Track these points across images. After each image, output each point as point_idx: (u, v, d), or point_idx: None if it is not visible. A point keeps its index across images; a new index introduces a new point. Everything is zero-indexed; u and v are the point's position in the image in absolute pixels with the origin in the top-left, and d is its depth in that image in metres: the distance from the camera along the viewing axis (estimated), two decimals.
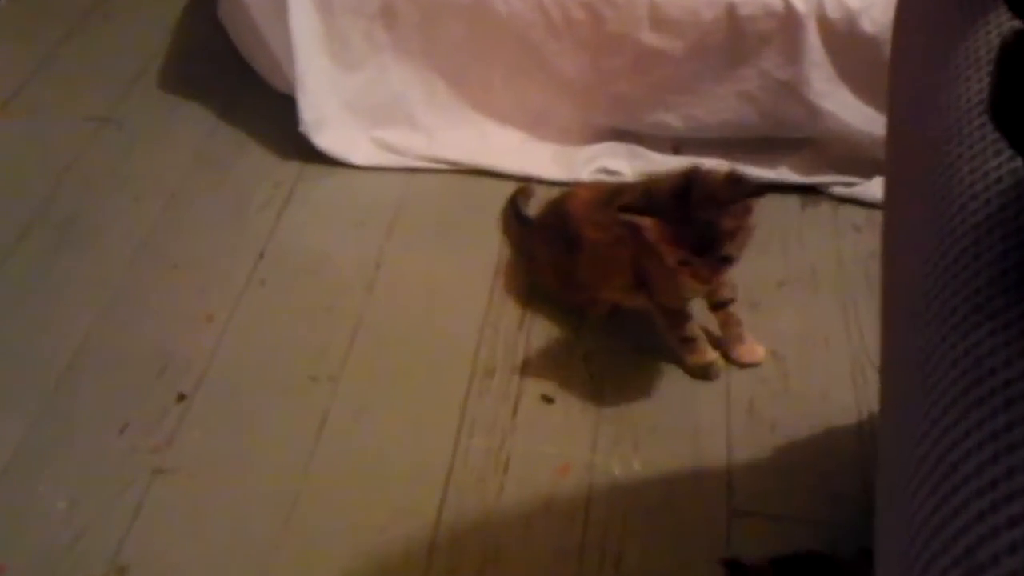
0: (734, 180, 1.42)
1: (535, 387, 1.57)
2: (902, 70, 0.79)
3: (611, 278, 1.59)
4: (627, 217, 1.41)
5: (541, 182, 1.92)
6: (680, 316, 1.57)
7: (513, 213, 1.82)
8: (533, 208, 1.83)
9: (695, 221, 1.38)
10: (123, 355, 1.61)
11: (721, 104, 1.90)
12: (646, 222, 1.40)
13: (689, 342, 1.58)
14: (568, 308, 1.68)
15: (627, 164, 1.96)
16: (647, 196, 1.45)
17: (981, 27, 0.67)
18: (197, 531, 1.37)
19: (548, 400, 1.56)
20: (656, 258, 1.45)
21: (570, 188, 1.76)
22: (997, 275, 0.52)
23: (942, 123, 0.65)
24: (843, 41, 1.80)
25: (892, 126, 0.78)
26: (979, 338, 0.50)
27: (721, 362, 1.59)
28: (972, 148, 0.60)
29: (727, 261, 1.42)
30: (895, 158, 0.73)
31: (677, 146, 1.98)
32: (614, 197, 1.55)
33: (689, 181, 1.42)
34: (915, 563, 0.46)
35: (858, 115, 1.83)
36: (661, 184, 1.46)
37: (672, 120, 1.94)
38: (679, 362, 1.60)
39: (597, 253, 1.57)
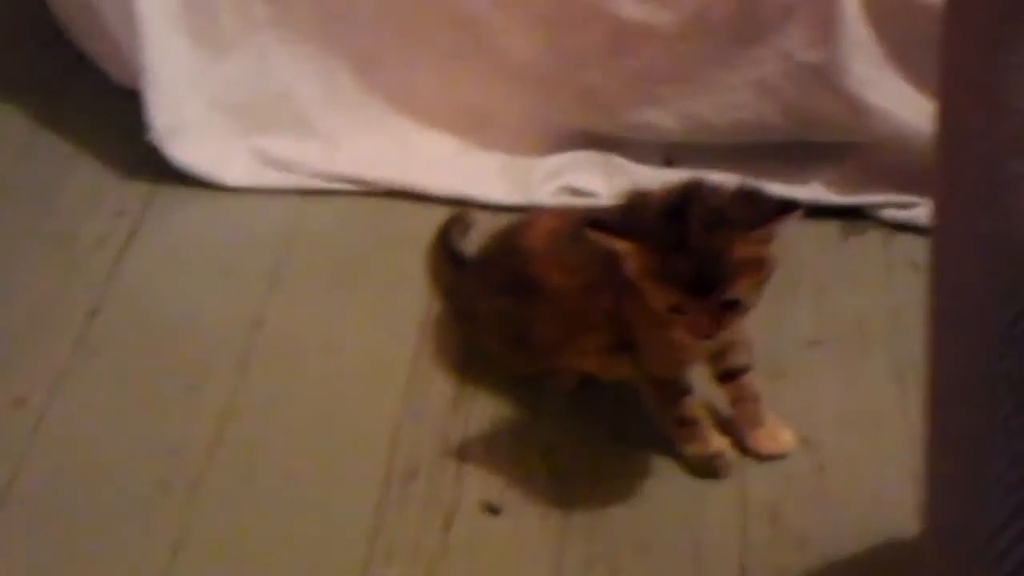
0: (748, 194, 1.43)
1: (476, 493, 1.56)
2: (955, 55, 0.79)
3: (582, 338, 1.59)
4: (597, 236, 1.41)
5: (484, 207, 1.92)
6: (675, 390, 1.57)
7: (443, 250, 1.82)
8: (473, 243, 1.83)
9: (694, 249, 1.37)
10: None
11: (730, 98, 1.92)
12: (623, 246, 1.40)
13: (687, 426, 1.58)
14: (521, 381, 1.68)
15: (602, 181, 1.97)
16: (629, 213, 1.45)
17: None
18: None
19: (493, 511, 1.55)
20: (644, 307, 1.45)
21: (526, 216, 1.76)
22: None
23: (1007, 129, 0.66)
24: (894, 11, 1.83)
25: (942, 129, 0.79)
26: None
27: (732, 453, 1.59)
28: None
29: (736, 308, 1.41)
30: (944, 172, 0.74)
31: (670, 156, 1.99)
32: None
33: (687, 196, 1.42)
34: None
35: (915, 111, 1.84)
36: (650, 199, 1.46)
37: (663, 120, 1.95)
38: (676, 454, 1.59)
39: (563, 304, 1.57)
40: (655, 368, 1.56)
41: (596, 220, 1.43)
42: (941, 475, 0.63)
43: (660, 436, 1.60)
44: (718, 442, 1.59)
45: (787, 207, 1.41)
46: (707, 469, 1.58)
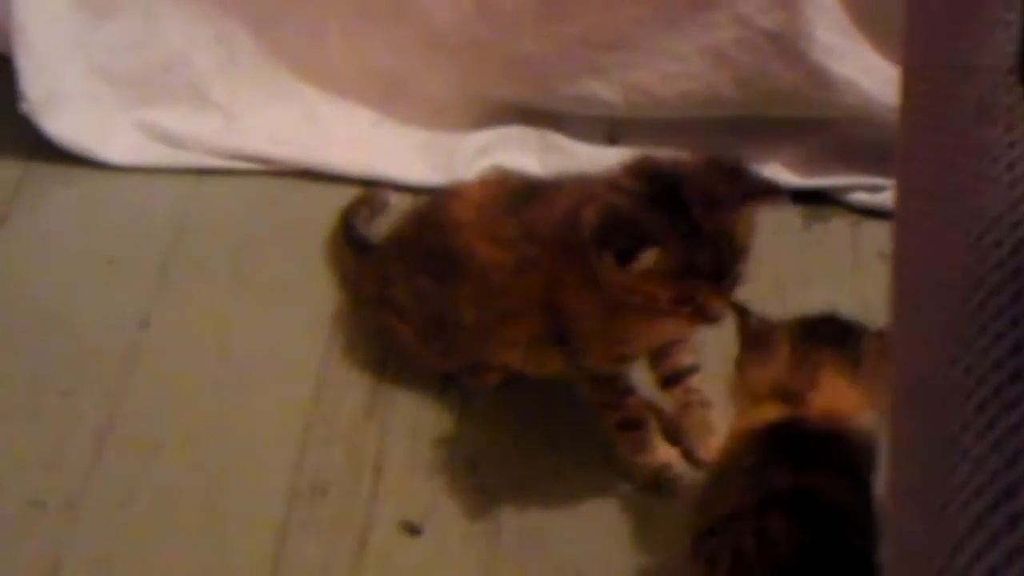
0: (730, 170, 1.46)
1: (393, 511, 1.56)
2: (921, 12, 0.80)
3: (508, 325, 1.59)
4: (611, 259, 1.40)
5: (402, 188, 1.93)
6: (616, 389, 1.57)
7: (346, 234, 1.82)
8: (384, 227, 1.83)
9: (709, 237, 1.40)
10: None
11: (679, 67, 1.92)
12: (649, 256, 1.38)
13: (631, 431, 1.58)
14: (443, 383, 1.68)
15: (537, 160, 1.97)
16: (614, 214, 1.44)
17: None
18: None
19: (413, 531, 1.55)
20: (584, 293, 1.47)
21: (448, 187, 1.77)
22: None
23: (974, 94, 0.66)
24: None
25: (905, 99, 0.79)
26: (1015, 422, 0.51)
27: (682, 465, 1.59)
28: (1013, 131, 0.61)
29: (737, 282, 1.46)
30: (908, 149, 0.74)
31: (613, 133, 2.00)
32: (531, 197, 1.58)
33: (667, 179, 1.44)
34: None
35: (885, 83, 1.84)
36: (619, 183, 1.47)
37: (605, 92, 1.96)
38: (618, 466, 1.60)
39: (490, 282, 1.57)
40: (594, 364, 1.56)
41: (604, 240, 1.41)
42: (900, 487, 0.63)
43: (600, 445, 1.61)
44: (666, 453, 1.59)
45: (773, 187, 1.51)
46: (654, 483, 1.57)
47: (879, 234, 1.86)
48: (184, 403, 1.67)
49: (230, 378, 1.70)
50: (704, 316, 1.44)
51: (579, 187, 1.56)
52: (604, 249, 1.41)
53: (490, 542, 1.54)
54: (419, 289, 1.64)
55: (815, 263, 1.86)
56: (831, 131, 1.95)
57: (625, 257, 1.39)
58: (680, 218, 1.40)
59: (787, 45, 1.88)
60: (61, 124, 1.94)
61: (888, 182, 1.89)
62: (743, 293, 1.69)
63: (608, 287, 1.44)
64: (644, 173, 1.47)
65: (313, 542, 1.53)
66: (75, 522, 1.53)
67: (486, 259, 1.57)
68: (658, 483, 1.57)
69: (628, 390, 1.58)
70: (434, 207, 1.69)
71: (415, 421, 1.66)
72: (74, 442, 1.61)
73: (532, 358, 1.61)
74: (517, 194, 1.60)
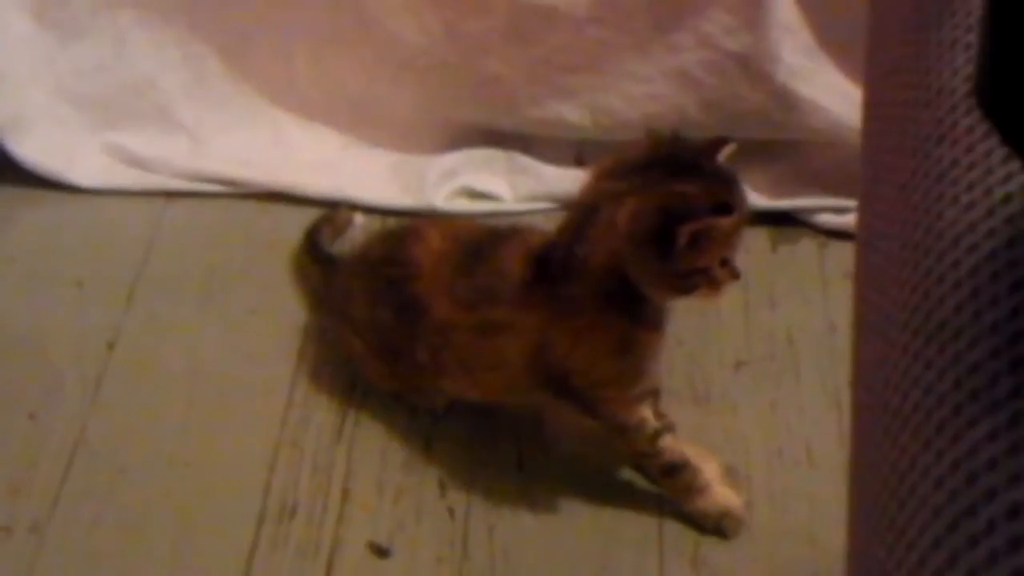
0: (714, 143, 1.49)
1: (361, 532, 1.56)
2: (882, 35, 0.81)
3: (476, 376, 1.59)
4: (698, 227, 1.40)
5: (372, 210, 1.93)
6: (647, 432, 1.55)
7: (311, 249, 1.83)
8: (348, 245, 1.84)
9: (736, 202, 1.44)
10: None
11: (645, 89, 1.93)
12: (726, 222, 1.41)
13: (679, 474, 1.56)
14: (412, 406, 1.68)
15: (505, 182, 1.98)
16: (636, 209, 1.43)
17: None
18: None
19: (381, 552, 1.55)
20: (585, 344, 1.49)
21: (414, 223, 1.76)
22: (1004, 344, 0.53)
23: (933, 116, 0.66)
24: None
25: (868, 118, 0.80)
26: (975, 441, 0.51)
27: (744, 504, 1.58)
28: (972, 152, 0.61)
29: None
30: (870, 170, 0.75)
31: (581, 154, 2.00)
32: (478, 256, 1.57)
33: (684, 159, 1.47)
34: None
35: (851, 105, 1.85)
36: (614, 188, 1.47)
37: (572, 114, 1.96)
38: (585, 487, 1.60)
39: (451, 339, 1.57)
40: (616, 411, 1.54)
41: (676, 215, 1.39)
42: (862, 508, 0.64)
43: (566, 467, 1.61)
44: (723, 495, 1.56)
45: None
46: (717, 529, 1.56)
47: (846, 255, 1.86)
48: (152, 425, 1.67)
49: (198, 400, 1.70)
50: (727, 277, 1.45)
51: (519, 241, 1.56)
52: (647, 246, 1.41)
53: (458, 564, 1.54)
54: (377, 316, 1.64)
55: (783, 284, 1.86)
56: (798, 153, 1.96)
57: (666, 243, 1.39)
58: (685, 178, 1.43)
59: (753, 67, 1.89)
60: (27, 146, 1.93)
61: (854, 203, 1.89)
62: (713, 315, 1.70)
63: (660, 282, 1.45)
64: (625, 167, 1.48)
65: (282, 563, 1.53)
66: (42, 547, 1.53)
67: (443, 316, 1.56)
68: (723, 530, 1.56)
69: (659, 432, 1.55)
70: (399, 240, 1.68)
71: (384, 443, 1.66)
72: (41, 465, 1.61)
73: (499, 397, 1.62)
74: (467, 251, 1.59)
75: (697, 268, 1.42)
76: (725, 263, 1.44)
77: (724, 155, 1.48)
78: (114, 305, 1.80)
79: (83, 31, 1.94)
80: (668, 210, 1.40)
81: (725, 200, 1.42)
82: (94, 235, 1.91)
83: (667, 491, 1.57)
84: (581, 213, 1.49)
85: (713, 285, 1.44)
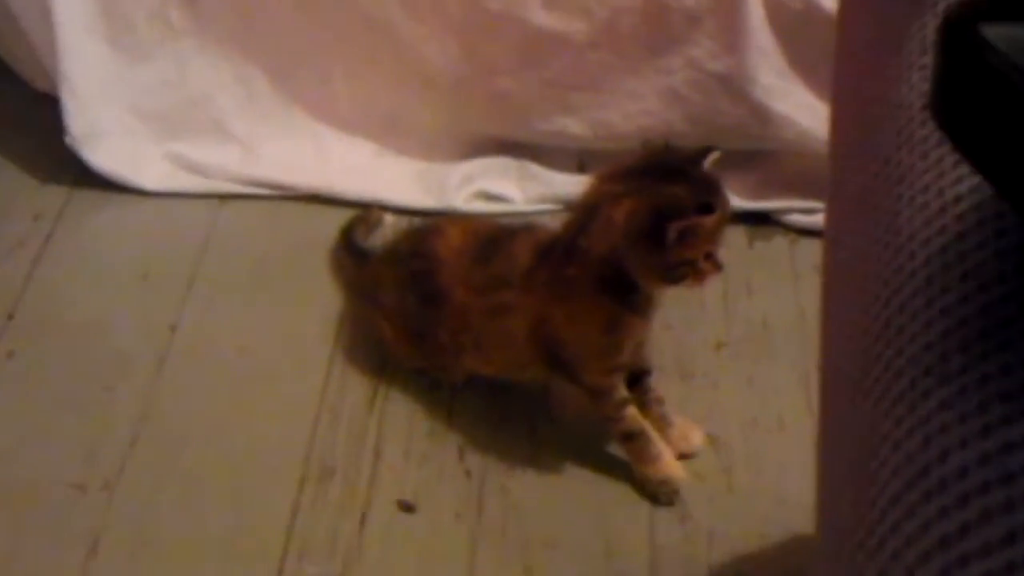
0: (700, 152, 1.49)
1: (391, 491, 1.56)
2: (847, 56, 0.80)
3: (489, 353, 1.60)
4: (685, 225, 1.40)
5: (400, 211, 1.92)
6: (614, 401, 1.56)
7: (346, 244, 1.83)
8: (379, 240, 1.84)
9: (720, 201, 1.45)
10: None
11: (639, 105, 1.92)
12: (709, 220, 1.42)
13: (635, 441, 1.56)
14: (435, 382, 1.68)
15: (516, 187, 1.97)
16: (631, 209, 1.44)
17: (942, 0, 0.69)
18: None
19: (408, 508, 1.54)
20: (574, 322, 1.49)
21: (436, 220, 1.76)
22: (954, 326, 0.53)
23: (893, 124, 0.66)
24: (797, 22, 1.84)
25: (835, 130, 0.80)
26: (929, 411, 0.51)
27: (683, 478, 1.57)
28: (927, 159, 0.61)
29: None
30: (838, 173, 0.75)
31: (583, 162, 2.00)
32: (492, 249, 1.58)
33: (672, 164, 1.48)
34: None
35: (818, 120, 1.85)
36: (612, 191, 1.48)
37: (575, 127, 1.96)
38: (585, 455, 1.60)
39: (467, 321, 1.58)
40: (593, 380, 1.55)
41: (667, 214, 1.40)
42: (830, 475, 0.64)
43: (572, 438, 1.61)
44: (668, 467, 1.56)
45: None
46: (653, 495, 1.56)
47: (814, 250, 1.86)
48: (208, 398, 1.66)
49: (249, 376, 1.69)
50: (714, 267, 1.45)
51: (529, 236, 1.58)
52: (641, 241, 1.42)
53: (475, 519, 1.53)
54: (404, 303, 1.64)
55: (758, 275, 1.85)
56: (772, 161, 1.95)
57: (658, 239, 1.39)
58: (674, 181, 1.43)
59: (733, 86, 1.88)
60: (100, 155, 1.93)
61: (821, 205, 1.89)
62: (697, 302, 1.70)
63: (652, 273, 1.46)
64: (622, 173, 1.49)
65: (321, 518, 1.52)
66: (112, 503, 1.53)
67: (461, 301, 1.57)
68: (657, 496, 1.55)
69: (625, 402, 1.56)
70: (423, 236, 1.68)
71: (410, 413, 1.66)
72: (112, 432, 1.61)
73: (509, 372, 1.62)
74: (483, 245, 1.60)
75: (684, 260, 1.42)
76: (709, 256, 1.44)
77: (709, 162, 1.48)
78: (175, 294, 1.80)
79: (149, 55, 1.94)
80: (660, 210, 1.40)
81: (709, 201, 1.42)
82: (158, 233, 1.91)
83: (624, 453, 1.57)
84: (584, 211, 1.50)
85: (698, 275, 1.45)
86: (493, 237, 1.61)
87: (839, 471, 0.58)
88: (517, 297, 1.53)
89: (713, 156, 1.49)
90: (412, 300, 1.62)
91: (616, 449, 1.60)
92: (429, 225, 1.71)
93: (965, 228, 0.56)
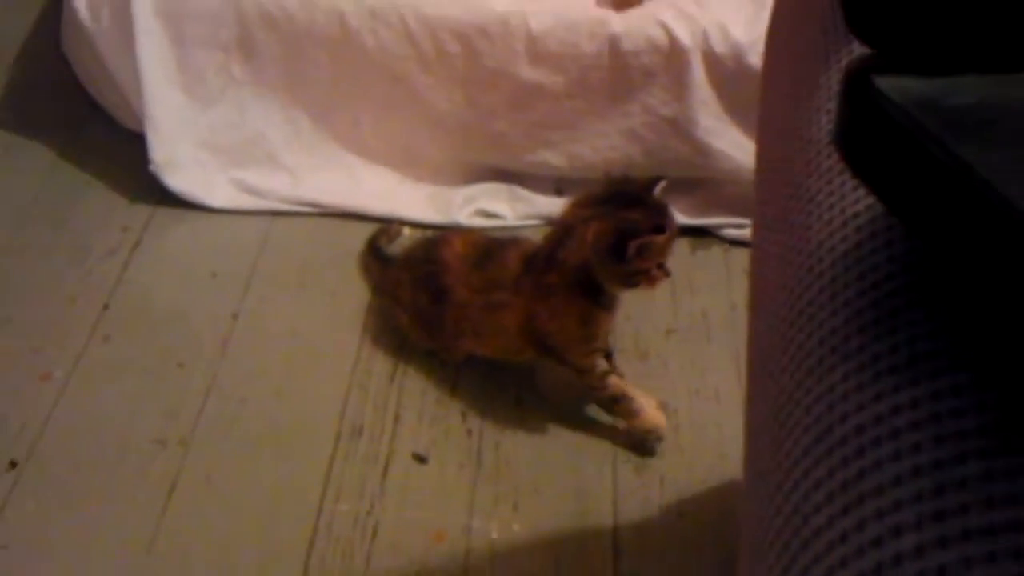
0: (651, 182, 1.49)
1: (407, 446, 1.56)
2: (769, 102, 0.80)
3: (485, 339, 1.59)
4: (637, 245, 1.40)
5: (416, 225, 1.91)
6: (596, 374, 1.56)
7: (372, 251, 1.82)
8: (398, 248, 1.83)
9: (669, 223, 1.44)
10: None
11: (605, 142, 1.92)
12: (660, 239, 1.42)
13: (622, 402, 1.55)
14: (442, 362, 1.67)
15: (507, 206, 1.97)
16: (599, 230, 1.44)
17: (845, 55, 0.69)
18: None
19: (421, 460, 1.54)
20: (557, 316, 1.49)
21: (444, 232, 1.75)
22: (853, 315, 0.53)
23: (805, 156, 0.66)
24: (731, 77, 1.84)
25: (760, 161, 0.79)
26: (833, 382, 0.51)
27: (665, 427, 1.57)
28: (832, 184, 0.61)
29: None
30: (762, 195, 0.74)
31: (560, 187, 1.99)
32: (488, 257, 1.57)
33: (629, 193, 1.48)
34: None
35: (747, 153, 1.85)
36: (583, 214, 1.47)
37: (554, 159, 1.95)
38: (563, 419, 1.60)
39: (468, 315, 1.57)
40: (577, 360, 1.55)
41: (627, 234, 1.40)
42: (751, 462, 0.63)
43: (550, 404, 1.61)
44: (653, 418, 1.56)
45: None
46: (641, 444, 1.56)
47: (744, 257, 1.87)
48: (263, 372, 1.66)
49: (294, 355, 1.69)
50: (662, 275, 1.45)
51: (516, 247, 1.57)
52: (607, 255, 1.42)
53: (474, 468, 1.54)
54: (418, 299, 1.64)
55: (699, 277, 1.85)
56: (711, 187, 1.95)
57: (620, 253, 1.39)
58: (632, 207, 1.43)
59: (680, 128, 1.88)
60: (177, 180, 1.92)
61: (749, 221, 1.89)
62: (650, 298, 1.70)
63: (616, 279, 1.45)
64: (591, 200, 1.49)
65: (353, 468, 1.52)
66: (186, 455, 1.53)
67: (463, 299, 1.57)
68: (645, 443, 1.56)
69: (607, 373, 1.56)
70: (433, 246, 1.66)
71: (423, 385, 1.65)
72: (187, 398, 1.61)
73: (501, 355, 1.62)
74: (480, 253, 1.59)
75: (641, 270, 1.43)
76: (660, 266, 1.44)
77: (658, 190, 1.48)
78: (237, 289, 1.79)
79: (216, 101, 1.94)
80: (622, 230, 1.41)
81: (660, 223, 1.42)
82: (223, 241, 1.90)
83: (614, 414, 1.57)
84: (561, 230, 1.50)
85: (651, 281, 1.45)
86: (488, 247, 1.60)
87: (761, 429, 0.58)
88: (509, 297, 1.53)
89: (661, 185, 1.49)
90: (424, 297, 1.62)
91: (588, 414, 1.60)
92: (438, 237, 1.70)
93: (862, 238, 0.56)
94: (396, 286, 1.70)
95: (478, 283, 1.55)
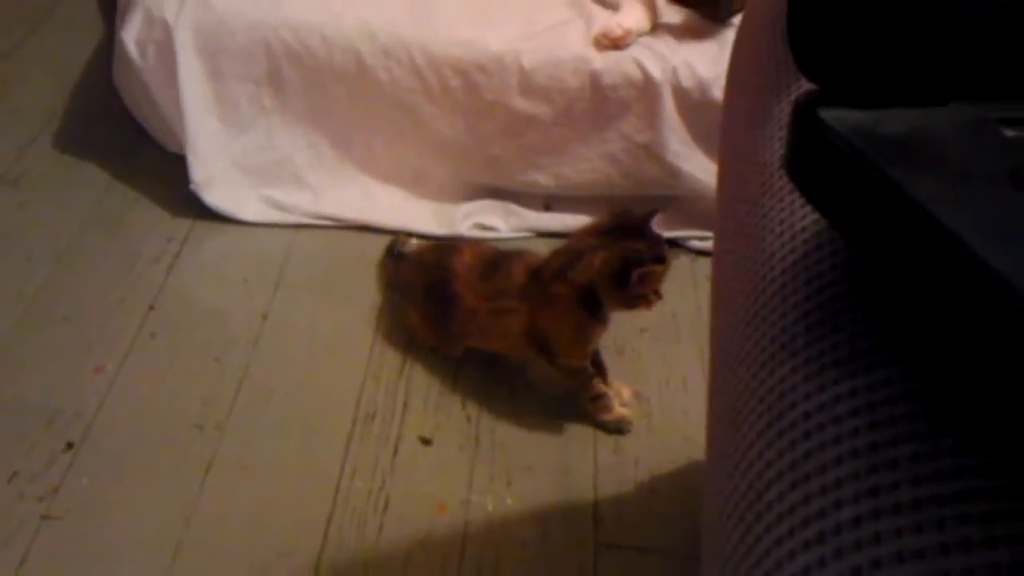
0: (649, 214, 1.47)
1: (414, 430, 1.56)
2: (729, 130, 0.80)
3: (490, 339, 1.59)
4: (643, 271, 1.39)
5: (422, 237, 1.91)
6: (585, 375, 1.56)
7: (389, 252, 1.82)
8: (410, 249, 1.83)
9: (653, 240, 1.43)
10: (13, 407, 1.54)
11: (588, 165, 1.92)
12: (659, 268, 1.41)
13: (600, 400, 1.56)
14: (445, 357, 1.67)
15: (502, 221, 1.97)
16: (606, 259, 1.43)
17: (794, 90, 0.69)
18: None
19: (426, 442, 1.54)
20: (557, 323, 1.48)
21: (456, 244, 1.71)
22: (801, 316, 0.53)
23: (760, 179, 0.66)
24: (696, 108, 1.84)
25: (720, 182, 0.80)
26: (783, 374, 0.51)
27: (632, 415, 1.58)
28: (782, 201, 0.61)
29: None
30: (722, 213, 0.74)
31: (548, 203, 1.99)
32: (494, 267, 1.55)
33: (616, 223, 1.46)
34: None
35: (711, 175, 1.86)
36: (592, 241, 1.46)
37: (543, 179, 1.95)
38: (552, 410, 1.59)
39: (476, 319, 1.56)
40: (570, 361, 1.54)
41: (631, 263, 1.40)
42: (716, 411, 0.64)
43: (540, 395, 1.61)
44: (620, 411, 1.57)
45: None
46: (617, 428, 1.57)
47: (708, 266, 1.87)
48: (289, 365, 1.66)
49: (317, 350, 1.69)
50: (659, 295, 1.44)
51: (521, 260, 1.55)
52: (611, 281, 1.41)
53: (472, 449, 1.54)
54: (427, 301, 1.63)
55: (669, 283, 1.80)
56: (679, 203, 1.95)
57: (624, 280, 1.39)
58: (636, 238, 1.42)
59: (652, 152, 1.88)
60: (214, 197, 1.92)
61: (712, 234, 1.89)
62: None
63: (617, 301, 1.44)
64: (601, 228, 1.48)
65: (367, 448, 1.52)
66: (222, 438, 1.52)
67: (471, 305, 1.55)
68: (619, 428, 1.57)
69: (592, 374, 1.56)
70: (445, 254, 1.63)
71: (428, 377, 1.65)
72: (222, 388, 1.60)
73: (505, 352, 1.61)
74: (487, 264, 1.57)
75: (640, 295, 1.42)
76: (655, 291, 1.43)
77: (654, 221, 1.47)
78: (266, 292, 1.79)
79: (248, 128, 1.94)
80: (626, 260, 1.40)
81: (660, 254, 1.41)
82: (254, 250, 1.89)
83: (590, 408, 1.57)
84: (571, 253, 1.48)
85: (647, 304, 1.44)
86: (494, 259, 1.58)
87: (721, 415, 0.58)
88: (515, 303, 1.51)
89: (657, 217, 1.47)
90: (433, 299, 1.61)
91: (572, 404, 1.60)
92: (449, 245, 1.67)
93: (808, 249, 0.56)
94: (407, 287, 1.69)
95: (485, 291, 1.54)
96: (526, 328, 1.52)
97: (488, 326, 1.56)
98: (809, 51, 0.50)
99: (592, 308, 1.47)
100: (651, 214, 1.47)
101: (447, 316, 1.58)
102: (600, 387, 1.56)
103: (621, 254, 1.41)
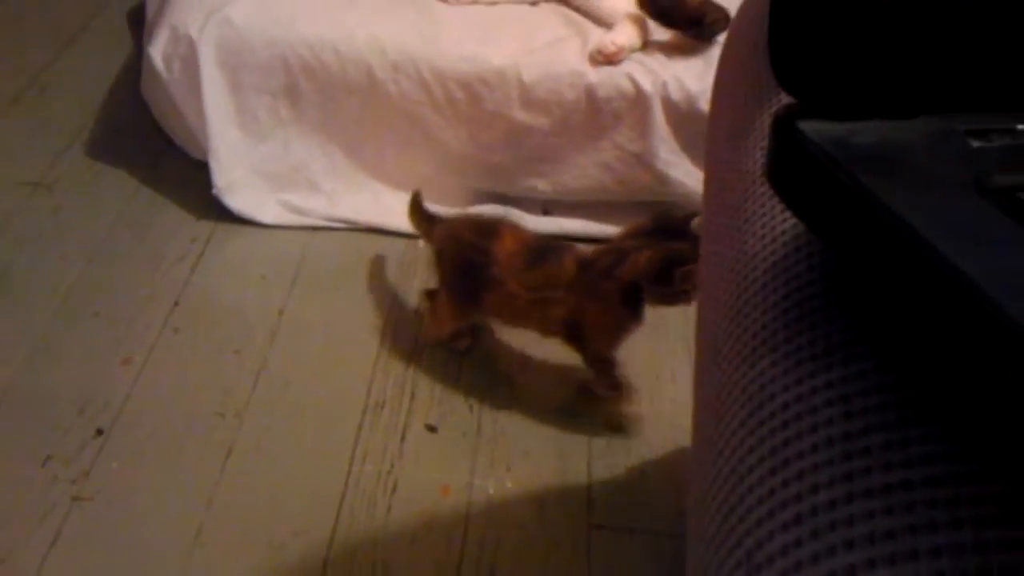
0: (689, 216, 1.46)
1: (421, 418, 1.56)
2: (715, 140, 0.80)
3: (522, 322, 1.55)
4: (686, 270, 1.37)
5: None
6: (613, 364, 1.54)
7: (416, 209, 1.69)
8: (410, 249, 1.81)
9: (692, 238, 1.41)
10: (47, 395, 1.55)
11: (584, 172, 1.92)
12: (682, 273, 1.38)
13: (620, 389, 1.55)
14: (449, 350, 1.67)
15: None
16: (650, 258, 1.41)
17: (774, 103, 0.69)
18: (111, 555, 1.32)
19: (432, 429, 1.54)
20: (600, 315, 1.46)
21: (497, 227, 1.56)
22: (780, 313, 0.53)
23: (742, 186, 0.66)
24: (684, 119, 1.84)
25: (706, 189, 0.79)
26: (763, 368, 0.51)
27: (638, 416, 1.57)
28: (763, 207, 0.61)
29: None
30: (707, 217, 0.74)
31: (547, 208, 1.99)
32: (541, 257, 1.50)
33: (657, 224, 1.46)
34: (707, 570, 0.46)
35: (698, 182, 1.85)
36: (636, 243, 1.45)
37: (542, 185, 1.95)
38: (548, 400, 1.59)
39: (514, 304, 1.51)
40: (603, 349, 1.53)
41: (674, 263, 1.38)
42: (702, 402, 0.63)
43: (538, 384, 1.61)
44: (628, 404, 1.56)
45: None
46: (619, 426, 1.55)
47: None
48: (304, 358, 1.65)
49: (330, 343, 1.69)
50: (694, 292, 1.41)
51: (571, 253, 1.50)
52: (655, 279, 1.40)
53: (475, 437, 1.54)
54: (456, 276, 1.56)
55: None
56: (668, 208, 1.95)
57: (667, 279, 1.38)
58: (677, 238, 1.41)
59: (644, 160, 1.88)
60: (236, 201, 1.92)
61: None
62: None
63: (659, 299, 1.43)
64: (643, 229, 1.46)
65: (376, 435, 1.52)
66: (242, 425, 1.52)
67: (512, 291, 1.49)
68: (621, 427, 1.56)
69: (616, 365, 1.55)
70: (484, 235, 1.53)
71: (433, 369, 1.65)
72: (241, 379, 1.60)
73: (531, 329, 1.56)
74: (532, 253, 1.50)
75: (682, 292, 1.40)
76: (694, 287, 1.41)
77: (696, 223, 1.44)
78: (283, 289, 1.79)
79: (267, 137, 1.94)
80: (670, 259, 1.39)
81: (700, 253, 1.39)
82: (272, 250, 1.89)
83: (607, 395, 1.56)
84: (618, 252, 1.46)
85: (687, 300, 1.42)
86: (541, 249, 1.51)
87: (706, 405, 0.58)
88: (563, 294, 1.48)
89: (697, 220, 1.44)
90: (466, 277, 1.52)
91: (568, 395, 1.60)
92: (489, 228, 1.54)
93: (788, 251, 0.56)
94: (439, 253, 1.59)
95: (530, 281, 1.48)
96: (566, 317, 1.49)
97: (527, 311, 1.50)
98: (788, 67, 0.50)
99: (633, 305, 1.46)
100: (691, 216, 1.46)
101: (479, 296, 1.52)
102: (622, 378, 1.55)
103: (664, 254, 1.40)
